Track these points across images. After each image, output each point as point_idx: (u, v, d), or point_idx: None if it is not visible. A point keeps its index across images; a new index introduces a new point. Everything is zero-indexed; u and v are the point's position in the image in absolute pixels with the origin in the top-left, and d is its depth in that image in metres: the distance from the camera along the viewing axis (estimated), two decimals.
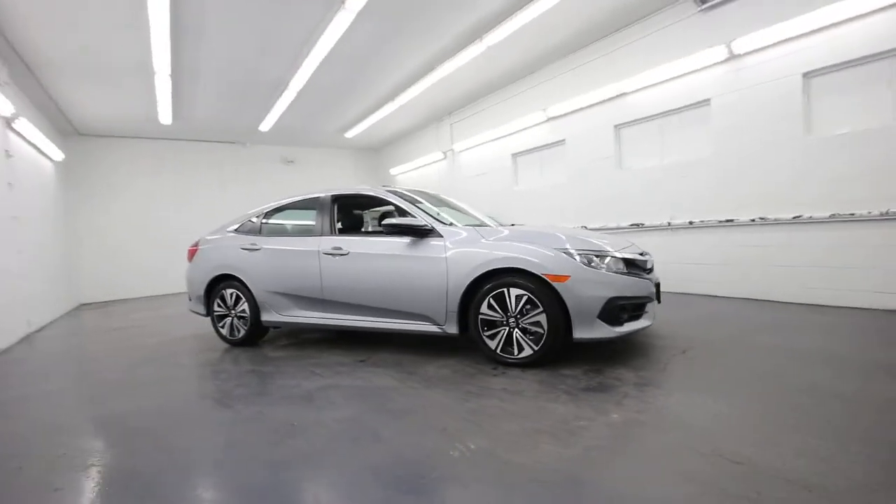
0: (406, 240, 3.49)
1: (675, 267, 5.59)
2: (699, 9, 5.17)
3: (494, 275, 3.12)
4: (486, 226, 3.76)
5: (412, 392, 2.79)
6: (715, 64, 5.14)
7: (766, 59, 4.73)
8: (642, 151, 6.13)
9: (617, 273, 3.02)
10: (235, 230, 4.53)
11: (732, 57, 4.96)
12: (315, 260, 3.84)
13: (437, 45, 6.07)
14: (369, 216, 4.86)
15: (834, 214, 4.30)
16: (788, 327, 3.82)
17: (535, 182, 7.89)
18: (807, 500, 1.51)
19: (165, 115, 8.07)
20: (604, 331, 2.90)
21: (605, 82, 6.22)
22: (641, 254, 3.35)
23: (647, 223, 5.98)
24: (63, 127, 8.51)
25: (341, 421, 2.42)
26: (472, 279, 3.14)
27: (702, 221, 5.39)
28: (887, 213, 3.96)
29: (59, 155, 7.69)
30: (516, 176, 8.24)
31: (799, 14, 4.34)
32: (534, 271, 2.97)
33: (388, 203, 3.89)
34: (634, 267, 3.18)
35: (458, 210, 4.25)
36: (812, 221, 4.46)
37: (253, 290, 4.14)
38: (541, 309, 2.94)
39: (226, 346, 4.38)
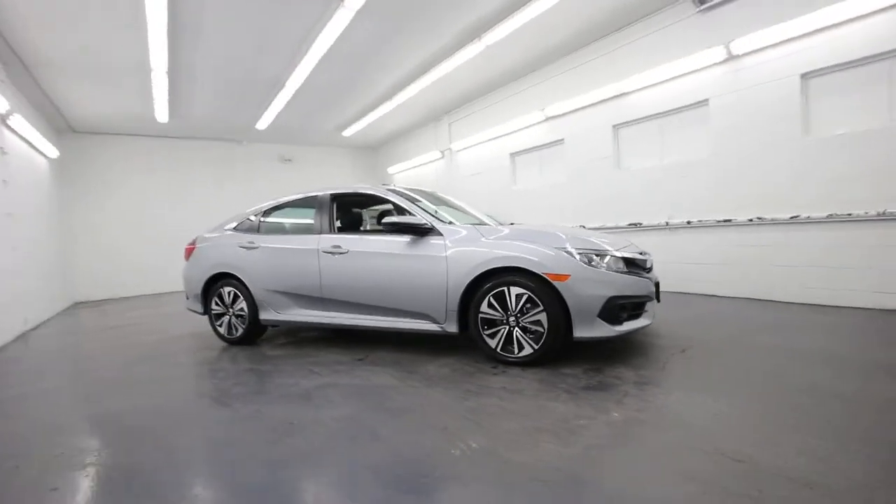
0: (406, 238, 3.48)
1: (674, 266, 5.60)
2: (698, 9, 5.18)
3: (494, 273, 3.11)
4: (486, 225, 3.75)
5: (411, 391, 2.78)
6: (714, 64, 5.15)
7: (764, 60, 4.74)
8: (641, 151, 6.14)
9: (617, 272, 3.02)
10: (233, 228, 4.50)
11: (731, 57, 4.97)
12: (314, 258, 3.82)
13: (437, 44, 6.06)
14: (368, 215, 4.85)
15: (831, 215, 4.32)
16: (787, 327, 3.83)
17: (533, 182, 7.89)
18: (808, 498, 1.52)
19: (162, 113, 8.02)
20: (604, 330, 2.90)
21: (603, 82, 6.22)
22: (641, 253, 3.35)
23: (645, 223, 5.99)
24: (58, 124, 8.44)
25: (340, 420, 2.41)
26: (472, 278, 3.14)
27: (700, 221, 5.40)
28: (884, 213, 3.98)
29: (54, 152, 7.63)
30: (514, 175, 8.24)
31: (797, 15, 4.35)
32: (534, 270, 2.96)
33: (388, 201, 3.88)
34: (634, 266, 3.18)
35: (457, 209, 4.24)
36: (810, 221, 4.48)
37: (251, 289, 4.12)
38: (541, 308, 2.94)
39: (223, 344, 4.36)
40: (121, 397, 3.03)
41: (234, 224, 4.54)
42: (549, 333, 2.94)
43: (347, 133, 10.42)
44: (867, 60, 4.13)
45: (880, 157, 4.05)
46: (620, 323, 2.97)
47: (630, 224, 6.15)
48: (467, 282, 3.16)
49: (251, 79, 6.91)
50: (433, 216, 3.56)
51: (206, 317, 4.52)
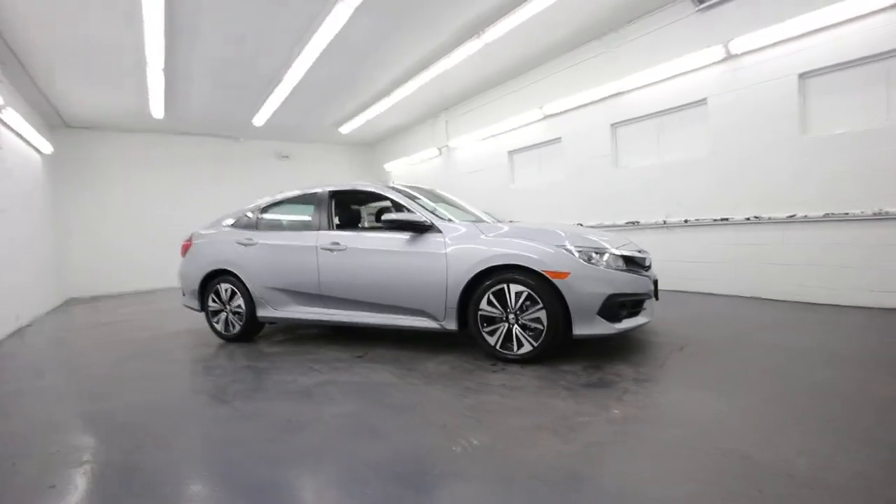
0: (405, 235, 3.47)
1: (671, 265, 5.62)
2: (697, 8, 5.19)
3: (494, 271, 3.11)
4: (485, 222, 3.75)
5: (411, 388, 2.78)
6: (712, 63, 5.15)
7: (762, 60, 4.75)
8: (639, 150, 6.15)
9: (616, 270, 3.02)
10: (231, 225, 4.47)
11: (730, 57, 4.98)
12: (313, 255, 3.80)
13: (436, 40, 6.04)
14: (366, 212, 4.83)
15: (829, 214, 4.35)
16: (785, 325, 3.85)
17: (531, 180, 7.89)
18: (808, 496, 1.52)
19: (157, 109, 7.94)
20: (603, 327, 2.91)
21: (602, 81, 6.22)
22: (640, 251, 3.36)
23: (643, 221, 6.01)
24: (51, 119, 8.34)
25: (340, 417, 2.41)
26: (472, 275, 3.13)
27: (697, 220, 5.42)
28: (881, 212, 4.01)
29: (47, 147, 7.54)
30: (512, 173, 8.23)
31: (796, 15, 4.36)
32: (534, 268, 2.96)
33: (386, 198, 3.87)
34: (633, 264, 3.19)
35: (456, 206, 4.23)
36: (807, 220, 4.51)
37: (249, 286, 4.09)
38: (541, 305, 2.94)
39: (220, 341, 4.34)
40: (117, 394, 3.00)
41: (231, 220, 4.51)
42: (548, 331, 2.94)
43: (345, 130, 10.37)
44: (865, 60, 4.15)
45: (878, 156, 4.07)
46: (620, 320, 2.98)
47: (628, 222, 6.17)
48: (467, 279, 3.15)
49: (248, 74, 6.85)
50: (432, 213, 3.55)
51: (202, 314, 4.49)
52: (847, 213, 4.22)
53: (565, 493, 1.62)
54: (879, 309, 4.07)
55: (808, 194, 4.51)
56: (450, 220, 3.50)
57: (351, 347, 3.84)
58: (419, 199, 3.75)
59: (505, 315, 3.07)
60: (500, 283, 3.07)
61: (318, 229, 3.91)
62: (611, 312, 2.92)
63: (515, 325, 3.05)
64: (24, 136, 6.56)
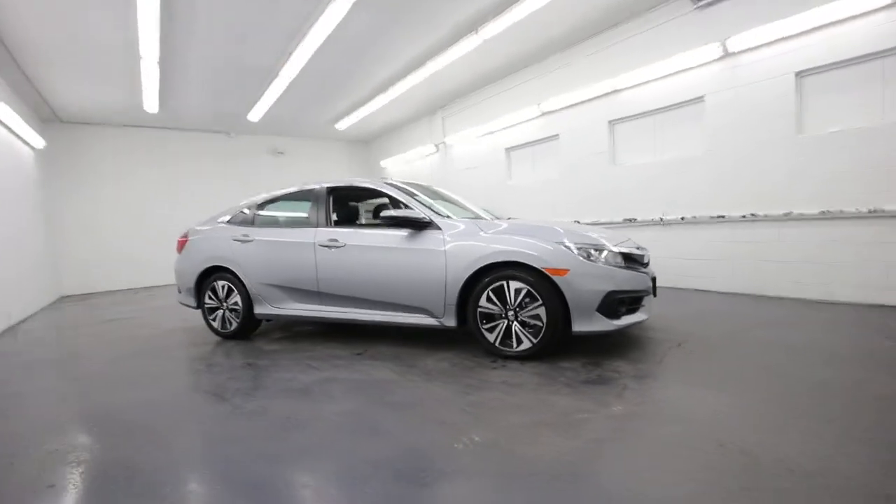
0: (404, 232, 3.46)
1: (668, 262, 5.65)
2: (695, 6, 5.20)
3: (493, 268, 3.11)
4: (483, 219, 3.74)
5: (412, 385, 2.77)
6: (709, 62, 5.17)
7: (760, 58, 4.78)
8: (636, 148, 6.17)
9: (615, 267, 3.03)
10: (227, 221, 4.43)
11: (727, 55, 5.00)
12: (311, 252, 3.78)
13: (434, 36, 6.01)
14: (363, 208, 4.81)
15: (824, 211, 4.39)
16: (781, 322, 3.89)
17: (528, 177, 7.90)
18: (810, 490, 1.54)
19: (151, 104, 7.85)
20: (603, 324, 2.92)
21: (600, 78, 6.22)
22: (638, 248, 3.37)
23: (640, 218, 6.03)
24: (43, 113, 8.23)
25: (341, 414, 2.40)
26: (471, 272, 3.13)
27: (694, 217, 5.45)
28: (876, 210, 4.05)
29: (39, 142, 7.44)
30: (510, 170, 8.23)
31: (793, 13, 4.39)
32: (534, 265, 2.96)
33: (385, 195, 3.85)
34: (632, 261, 3.20)
35: (454, 203, 4.22)
36: (803, 218, 4.55)
37: (246, 282, 4.07)
38: (540, 302, 2.94)
39: (217, 339, 4.30)
40: (115, 393, 2.97)
41: (227, 217, 4.47)
42: (547, 327, 2.95)
43: (341, 126, 10.31)
44: (861, 59, 4.18)
45: (873, 155, 4.11)
46: (619, 317, 2.99)
47: (625, 220, 6.19)
48: (466, 276, 3.15)
49: (244, 68, 6.78)
50: (431, 210, 3.53)
51: (198, 311, 4.46)
52: (843, 211, 4.26)
53: (571, 489, 1.63)
54: (875, 306, 4.12)
55: (804, 192, 4.55)
56: (448, 217, 3.49)
57: (350, 345, 3.83)
58: (418, 195, 3.74)
59: (504, 312, 3.07)
60: (499, 280, 3.07)
61: (316, 226, 3.88)
62: (610, 309, 2.93)
63: (515, 322, 3.05)
64: (15, 130, 6.46)
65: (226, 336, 4.27)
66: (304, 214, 4.05)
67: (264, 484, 1.76)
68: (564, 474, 1.71)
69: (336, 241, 3.70)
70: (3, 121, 5.99)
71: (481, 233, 3.25)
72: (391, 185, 3.82)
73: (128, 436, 2.28)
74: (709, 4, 5.10)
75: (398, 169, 11.33)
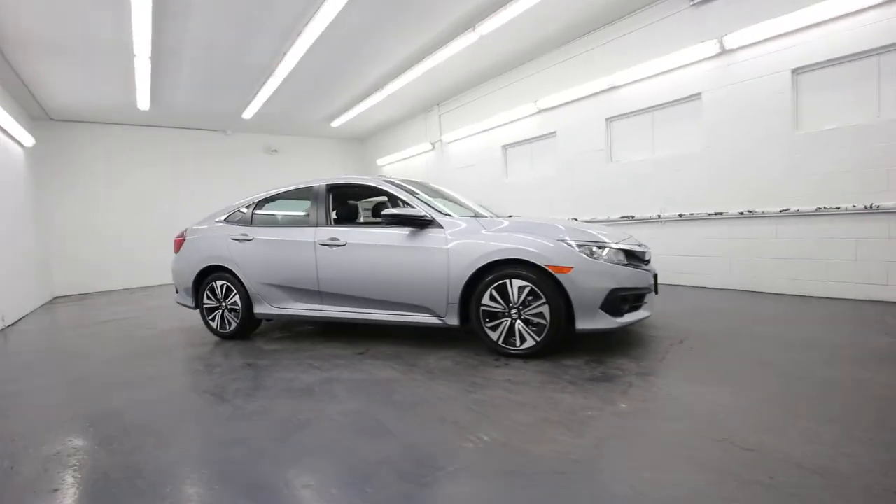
0: (405, 231, 3.44)
1: (665, 259, 5.68)
2: (691, 3, 5.21)
3: (496, 266, 3.10)
4: (484, 216, 3.73)
5: (415, 384, 2.76)
6: (706, 59, 5.19)
7: (756, 55, 4.80)
8: (633, 145, 6.19)
9: (618, 264, 3.04)
10: (224, 220, 4.39)
11: (724, 52, 5.02)
12: (311, 251, 3.75)
13: (431, 32, 5.97)
14: (362, 207, 4.78)
15: (821, 208, 4.43)
16: (780, 318, 3.92)
17: (525, 174, 7.90)
18: (818, 484, 1.55)
19: (143, 101, 7.75)
20: (606, 321, 2.92)
21: (596, 75, 6.23)
22: (640, 245, 3.37)
23: (637, 216, 6.06)
24: (33, 111, 8.09)
25: (345, 414, 2.38)
26: (474, 270, 3.12)
27: (691, 214, 5.48)
28: (872, 206, 4.09)
29: (29, 140, 7.31)
30: (506, 168, 8.23)
31: (789, 11, 4.41)
32: (537, 262, 2.96)
33: (385, 193, 3.83)
34: (634, 258, 3.20)
35: (453, 200, 4.20)
36: (799, 215, 4.59)
37: (245, 282, 4.03)
38: (543, 300, 2.94)
39: (216, 339, 4.27)
40: (115, 394, 2.93)
41: (224, 216, 4.42)
42: (551, 325, 2.95)
43: (336, 124, 10.25)
44: (857, 56, 4.21)
45: (869, 151, 4.15)
46: (622, 315, 2.99)
47: (622, 217, 6.21)
48: (469, 274, 3.14)
49: (238, 64, 6.70)
50: (432, 208, 3.52)
51: (196, 311, 4.41)
52: (839, 208, 4.30)
53: (586, 485, 1.63)
54: (870, 301, 4.17)
55: (800, 189, 4.58)
56: (450, 215, 3.47)
57: (351, 344, 3.81)
58: (418, 193, 3.72)
59: (507, 310, 3.07)
60: (502, 278, 3.06)
61: (316, 225, 3.85)
62: (613, 307, 2.94)
63: (518, 321, 3.05)
64: (5, 127, 6.35)
65: (225, 336, 4.23)
66: (304, 213, 4.02)
67: (267, 485, 1.74)
68: (580, 470, 1.71)
69: (337, 239, 3.67)
70: None
71: (483, 230, 3.24)
72: (391, 182, 3.80)
73: (128, 437, 2.25)
74: (705, 2, 5.11)
75: (394, 167, 11.29)
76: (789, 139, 4.64)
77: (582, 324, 2.92)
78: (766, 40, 4.69)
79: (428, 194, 3.85)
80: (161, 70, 6.59)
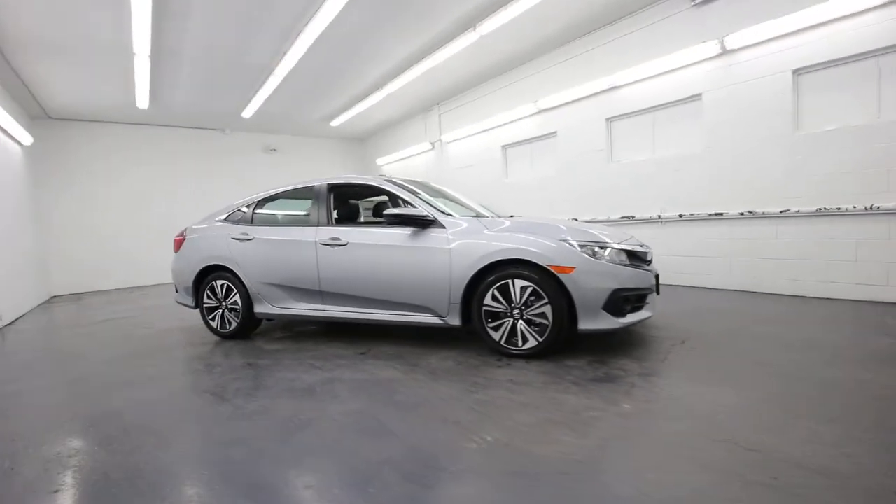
0: (407, 230, 3.43)
1: (666, 259, 5.68)
2: (692, 4, 5.22)
3: (498, 266, 3.09)
4: (486, 216, 3.72)
5: (417, 384, 2.76)
6: (707, 59, 5.20)
7: (757, 56, 4.81)
8: (634, 145, 6.19)
9: (620, 265, 3.04)
10: (225, 219, 4.37)
11: (724, 52, 5.03)
12: (312, 250, 3.74)
13: (431, 32, 5.97)
14: (363, 206, 4.77)
15: (821, 209, 4.43)
16: (780, 318, 3.92)
17: (525, 174, 7.89)
18: (821, 484, 1.56)
19: (142, 100, 7.73)
20: (608, 322, 2.92)
21: (597, 75, 6.23)
22: (641, 245, 3.38)
23: (637, 216, 6.06)
24: (32, 109, 8.06)
25: (347, 414, 2.37)
26: (476, 270, 3.11)
27: (692, 215, 5.48)
28: (872, 207, 4.10)
29: (27, 138, 7.28)
30: (506, 168, 8.23)
31: (790, 12, 4.41)
32: (540, 263, 2.96)
33: (387, 192, 3.83)
34: (636, 258, 3.20)
35: (454, 200, 4.19)
36: (800, 215, 4.60)
37: (245, 282, 4.02)
38: (546, 300, 2.94)
39: (216, 339, 4.25)
40: (115, 395, 2.92)
41: (224, 215, 4.41)
42: (553, 326, 2.95)
43: (335, 123, 10.23)
44: (857, 57, 4.22)
45: (870, 152, 4.16)
46: (624, 315, 2.99)
47: (622, 217, 6.21)
48: (471, 274, 3.14)
49: (238, 65, 6.69)
50: (434, 208, 3.51)
51: (196, 310, 4.40)
52: (839, 209, 4.31)
53: (591, 486, 1.63)
54: (871, 302, 4.18)
55: (800, 190, 4.59)
56: (451, 215, 3.46)
57: (352, 344, 3.80)
58: (420, 193, 3.71)
59: (510, 310, 3.06)
60: (504, 278, 3.05)
61: (317, 224, 3.84)
62: (615, 307, 2.94)
63: (520, 321, 3.05)
64: (3, 126, 6.32)
65: (225, 336, 4.21)
66: (305, 212, 4.01)
67: (268, 485, 1.73)
68: (585, 471, 1.71)
69: (338, 239, 3.66)
70: None
71: (485, 230, 3.24)
72: (393, 182, 3.79)
73: (132, 439, 2.24)
74: (706, 2, 5.12)
75: (393, 166, 11.28)
76: (790, 140, 4.65)
77: (584, 324, 2.92)
78: (766, 41, 4.70)
79: (429, 194, 3.84)
80: (161, 69, 6.57)
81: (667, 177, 5.74)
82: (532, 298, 2.98)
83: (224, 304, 4.16)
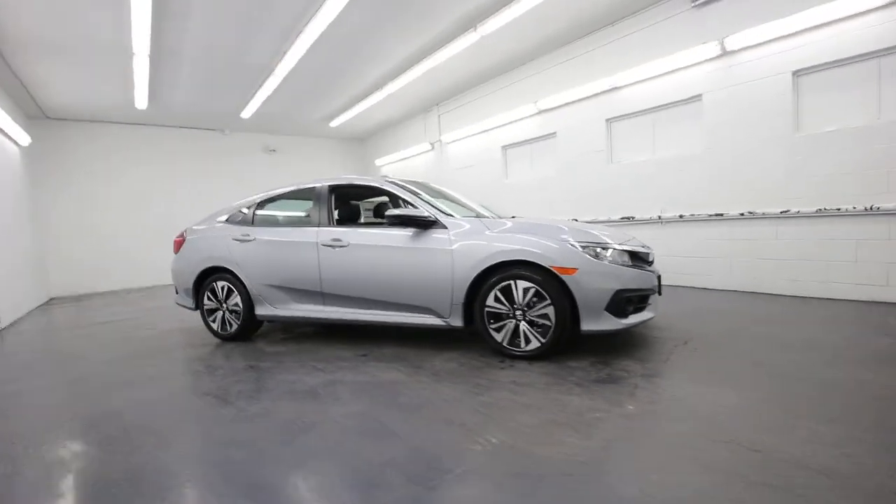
0: (409, 231, 3.43)
1: (666, 260, 5.68)
2: (693, 4, 5.23)
3: (500, 267, 3.09)
4: (487, 217, 3.72)
5: (420, 386, 2.75)
6: (707, 60, 5.21)
7: (757, 56, 4.81)
8: (634, 146, 6.20)
9: (623, 265, 3.04)
10: (225, 221, 4.37)
11: (725, 53, 5.04)
12: (313, 252, 3.74)
13: (431, 32, 5.97)
14: (363, 207, 4.77)
15: (821, 209, 4.45)
16: (781, 319, 3.93)
17: (525, 175, 7.90)
18: (824, 484, 1.56)
19: (141, 100, 7.71)
20: (611, 323, 2.92)
21: (597, 76, 6.24)
22: (643, 246, 3.38)
23: (637, 217, 6.07)
24: (29, 109, 8.03)
25: (349, 417, 2.37)
26: (479, 271, 3.11)
27: (692, 215, 5.49)
28: (872, 208, 4.11)
29: (25, 139, 7.26)
30: (506, 168, 8.23)
31: (790, 13, 4.42)
32: (542, 264, 2.96)
33: (388, 193, 3.82)
34: (638, 259, 3.20)
35: (455, 201, 4.19)
36: (800, 216, 4.61)
37: (246, 283, 4.01)
38: (548, 301, 2.94)
39: (216, 341, 4.24)
40: (116, 397, 2.91)
41: (224, 216, 4.40)
42: (556, 327, 2.94)
43: (335, 123, 10.23)
44: (857, 59, 4.23)
45: (870, 153, 4.17)
46: (626, 316, 2.99)
47: (622, 218, 6.22)
48: (474, 275, 3.13)
49: (238, 65, 6.68)
50: (436, 209, 3.51)
51: (196, 312, 4.39)
52: (839, 209, 4.32)
53: (595, 487, 1.63)
54: (871, 302, 4.19)
55: (801, 190, 4.60)
56: (453, 216, 3.46)
57: (354, 346, 3.80)
58: (421, 194, 3.71)
59: (512, 311, 3.06)
60: (506, 279, 3.05)
61: (318, 225, 3.84)
62: (618, 308, 2.94)
63: (523, 322, 3.05)
64: (1, 126, 6.30)
65: (226, 338, 4.21)
66: (306, 213, 4.00)
67: (271, 487, 1.73)
68: (582, 473, 1.71)
69: (339, 240, 3.66)
70: None
71: (487, 231, 3.23)
72: (394, 183, 3.79)
73: (134, 441, 2.23)
74: (706, 3, 5.13)
75: (393, 167, 11.27)
76: (790, 141, 4.66)
77: (587, 325, 2.92)
78: (766, 42, 4.71)
79: (430, 195, 3.84)
80: (160, 69, 6.56)
81: (667, 177, 5.75)
82: (534, 299, 2.98)
83: (225, 305, 4.15)
